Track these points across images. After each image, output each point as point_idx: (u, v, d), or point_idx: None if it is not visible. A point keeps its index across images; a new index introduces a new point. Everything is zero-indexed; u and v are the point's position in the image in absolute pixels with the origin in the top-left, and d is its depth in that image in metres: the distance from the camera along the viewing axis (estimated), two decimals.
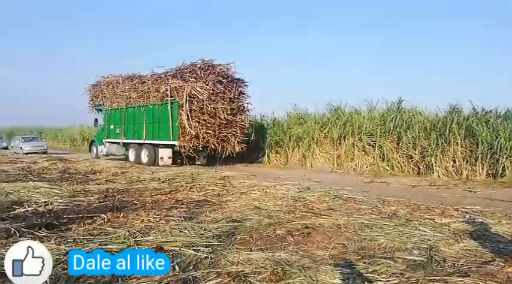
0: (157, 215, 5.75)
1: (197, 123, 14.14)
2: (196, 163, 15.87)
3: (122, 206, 6.54)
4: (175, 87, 14.42)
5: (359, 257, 3.86)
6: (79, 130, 35.98)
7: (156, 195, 7.67)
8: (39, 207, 6.34)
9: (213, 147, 14.68)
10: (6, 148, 28.83)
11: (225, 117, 14.67)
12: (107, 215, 5.66)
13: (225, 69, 15.20)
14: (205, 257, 3.84)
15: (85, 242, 4.34)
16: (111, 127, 18.74)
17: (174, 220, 5.39)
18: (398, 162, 13.01)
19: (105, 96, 18.92)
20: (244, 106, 15.83)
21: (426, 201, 7.00)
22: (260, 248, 4.17)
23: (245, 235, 4.65)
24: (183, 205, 6.63)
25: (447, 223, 5.25)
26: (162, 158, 15.12)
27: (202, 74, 14.58)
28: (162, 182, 9.57)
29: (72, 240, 4.40)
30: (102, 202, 6.91)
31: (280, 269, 3.45)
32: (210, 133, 14.36)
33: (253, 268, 3.52)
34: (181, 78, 14.63)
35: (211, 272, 3.45)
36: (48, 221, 5.34)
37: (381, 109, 14.83)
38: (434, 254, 3.89)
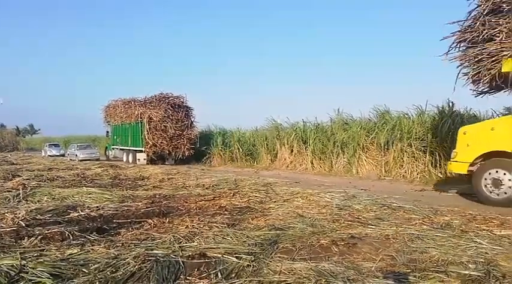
0: (201, 221, 5.84)
1: (154, 136, 20.99)
2: (166, 163, 21.63)
3: (168, 211, 6.73)
4: (141, 112, 21.68)
5: (409, 270, 3.66)
6: None
7: (201, 201, 7.81)
8: (91, 211, 6.66)
9: (167, 152, 21.39)
10: (63, 155, 30.51)
11: (173, 132, 21.29)
12: (153, 221, 5.85)
13: (175, 99, 22.10)
14: (248, 265, 3.82)
15: (132, 246, 4.49)
16: (115, 137, 26.09)
17: (217, 227, 5.45)
18: None
19: (111, 115, 26.09)
20: (190, 124, 22.39)
21: (483, 211, 6.54)
22: (303, 257, 4.09)
23: (288, 244, 4.58)
24: (226, 212, 6.69)
25: (507, 235, 4.87)
26: (139, 159, 21.32)
27: (157, 103, 21.50)
28: (206, 188, 9.74)
29: (120, 244, 4.57)
30: (149, 207, 7.15)
31: (324, 280, 3.35)
32: (163, 143, 21.15)
33: (296, 278, 3.44)
34: (145, 106, 21.81)
35: (253, 280, 3.42)
36: (99, 225, 5.60)
37: (431, 112, 14.12)
38: (493, 269, 3.61)
